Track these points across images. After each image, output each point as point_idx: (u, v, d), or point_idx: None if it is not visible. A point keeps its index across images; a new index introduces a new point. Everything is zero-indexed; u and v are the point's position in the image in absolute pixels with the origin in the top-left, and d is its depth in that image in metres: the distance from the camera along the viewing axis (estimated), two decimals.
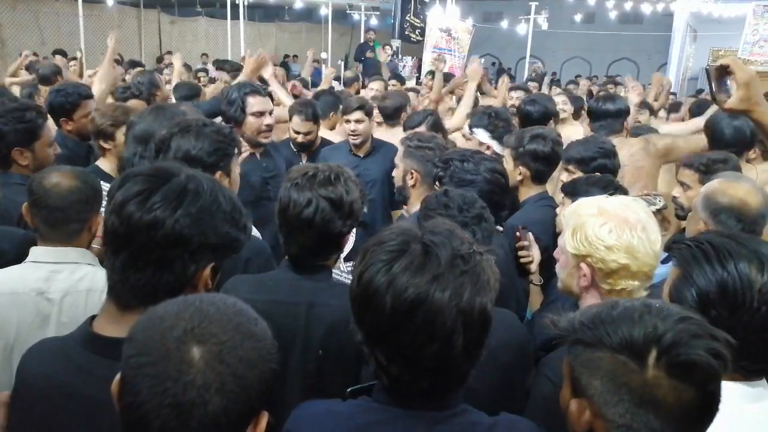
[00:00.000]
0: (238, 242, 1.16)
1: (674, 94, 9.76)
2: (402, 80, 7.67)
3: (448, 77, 8.66)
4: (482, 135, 3.06)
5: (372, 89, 5.66)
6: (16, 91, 5.01)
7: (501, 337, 1.46)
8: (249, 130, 2.93)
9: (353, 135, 3.52)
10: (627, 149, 3.21)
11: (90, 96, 3.18)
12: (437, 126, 3.57)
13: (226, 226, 1.13)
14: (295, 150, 3.78)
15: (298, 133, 3.57)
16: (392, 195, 3.57)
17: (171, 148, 1.91)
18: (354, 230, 2.38)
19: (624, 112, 3.56)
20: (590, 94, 8.43)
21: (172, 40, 14.35)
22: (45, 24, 12.04)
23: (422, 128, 3.49)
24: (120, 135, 2.60)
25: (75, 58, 7.64)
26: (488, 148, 3.04)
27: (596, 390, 0.92)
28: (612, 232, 1.46)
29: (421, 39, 12.78)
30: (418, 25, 13.03)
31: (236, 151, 2.03)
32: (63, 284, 1.63)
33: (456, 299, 0.96)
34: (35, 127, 2.40)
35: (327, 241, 1.63)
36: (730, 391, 1.16)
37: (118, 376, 0.84)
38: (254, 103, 2.90)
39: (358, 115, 3.53)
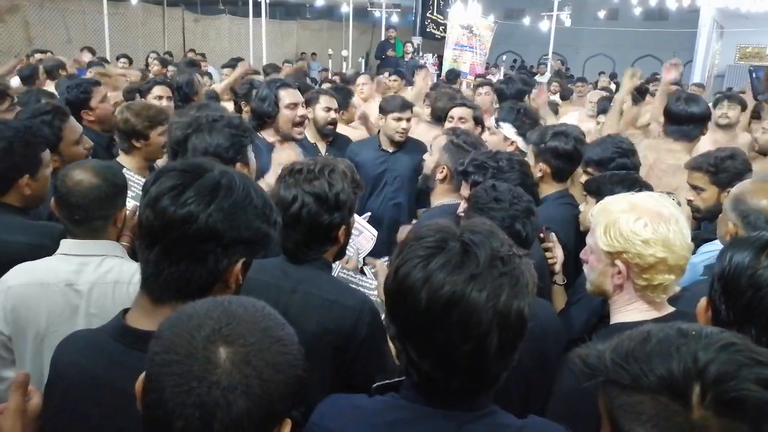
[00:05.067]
0: (269, 238, 1.17)
1: (702, 85, 9.61)
2: (402, 76, 7.65)
3: (457, 73, 8.66)
4: (508, 130, 3.05)
5: (359, 84, 5.84)
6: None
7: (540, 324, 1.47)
8: (284, 123, 2.95)
9: (402, 133, 3.55)
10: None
11: (98, 83, 3.35)
12: (479, 120, 3.59)
13: (258, 221, 1.14)
14: (313, 142, 3.81)
15: (329, 109, 3.59)
16: (418, 190, 3.60)
17: (188, 149, 1.95)
18: (374, 235, 2.40)
19: (707, 118, 3.38)
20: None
21: (196, 38, 14.47)
22: (71, 22, 12.21)
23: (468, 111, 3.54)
24: (154, 135, 2.66)
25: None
26: (512, 143, 3.03)
27: None
28: (648, 226, 1.44)
29: (444, 35, 12.76)
30: (442, 21, 13.00)
31: (251, 139, 2.05)
32: (91, 276, 1.66)
33: (493, 300, 0.95)
34: (55, 130, 2.46)
35: (318, 234, 1.66)
36: None
37: (142, 375, 0.83)
38: (286, 95, 2.94)
39: (409, 113, 3.57)
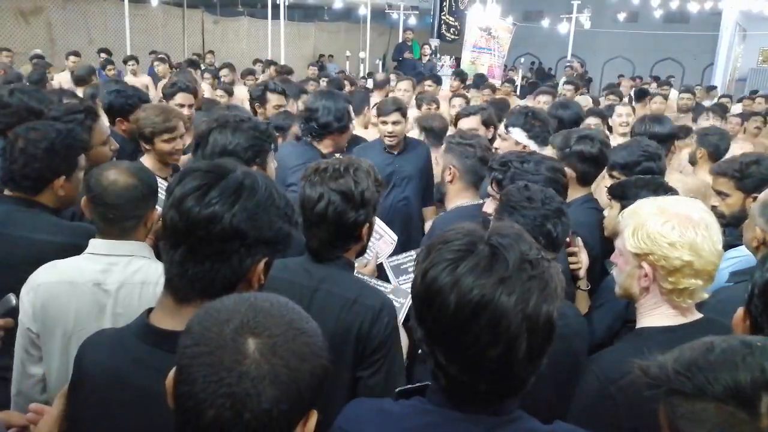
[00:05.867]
0: (290, 237, 1.19)
1: (729, 96, 9.48)
2: (439, 81, 7.63)
3: (485, 78, 8.63)
4: (519, 134, 3.02)
5: (400, 89, 5.67)
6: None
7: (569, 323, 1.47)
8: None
9: (390, 136, 3.55)
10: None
11: (148, 100, 3.33)
12: (490, 121, 3.56)
13: (280, 221, 1.15)
14: None
15: None
16: (426, 193, 3.59)
17: (209, 143, 1.97)
18: (395, 240, 2.40)
19: (673, 136, 3.38)
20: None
21: (215, 40, 14.61)
22: (92, 23, 12.38)
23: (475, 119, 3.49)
24: (159, 142, 2.69)
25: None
26: (524, 147, 3.00)
27: None
28: (675, 229, 1.43)
29: (455, 38, 12.78)
30: (452, 23, 13.01)
31: (273, 146, 2.08)
32: (118, 276, 1.67)
33: (522, 304, 0.94)
34: (86, 130, 2.47)
35: (343, 232, 1.67)
36: None
37: (173, 370, 0.85)
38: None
39: (395, 116, 3.55)
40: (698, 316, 1.52)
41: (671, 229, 1.43)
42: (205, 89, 5.92)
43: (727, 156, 3.34)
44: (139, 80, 7.82)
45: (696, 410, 0.83)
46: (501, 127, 3.21)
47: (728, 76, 12.34)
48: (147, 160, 2.70)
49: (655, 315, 1.51)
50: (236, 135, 1.96)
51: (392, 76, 7.30)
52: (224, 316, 0.83)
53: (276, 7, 12.37)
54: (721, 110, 5.81)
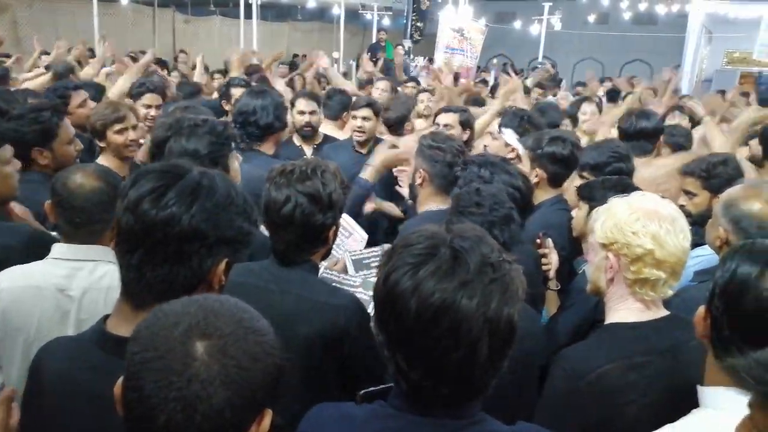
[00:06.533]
0: (251, 236, 1.18)
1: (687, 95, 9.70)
2: (418, 82, 7.65)
3: (456, 77, 8.67)
4: (510, 136, 3.04)
5: (378, 89, 5.66)
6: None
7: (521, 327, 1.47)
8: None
9: (358, 132, 3.53)
10: (651, 171, 3.08)
11: (78, 87, 3.38)
12: (467, 123, 3.56)
13: (240, 220, 1.14)
14: (298, 145, 3.80)
15: (303, 113, 3.64)
16: (396, 193, 3.57)
17: (165, 152, 1.94)
18: (365, 238, 2.39)
19: (660, 131, 3.37)
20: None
21: (186, 39, 14.40)
22: (61, 22, 12.11)
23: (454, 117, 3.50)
24: (111, 134, 2.67)
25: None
26: (513, 149, 3.02)
27: None
28: (639, 220, 1.48)
29: (420, 38, 12.94)
30: (418, 24, 13.15)
31: (233, 146, 2.04)
32: (83, 282, 1.64)
33: (483, 307, 0.94)
34: (52, 127, 2.44)
35: (310, 234, 1.67)
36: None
37: (121, 378, 0.84)
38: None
39: (365, 112, 3.54)
40: (664, 312, 1.55)
41: (636, 220, 1.48)
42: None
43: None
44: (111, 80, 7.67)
45: None
46: (494, 126, 3.22)
47: (695, 77, 12.61)
48: (104, 160, 2.66)
49: (621, 310, 1.54)
50: (192, 141, 1.92)
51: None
52: (172, 319, 0.82)
53: (249, 6, 12.24)
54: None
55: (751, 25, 9.69)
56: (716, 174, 2.52)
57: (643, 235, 1.46)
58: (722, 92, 8.26)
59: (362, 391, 1.14)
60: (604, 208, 1.59)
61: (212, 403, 0.78)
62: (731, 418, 1.15)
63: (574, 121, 4.72)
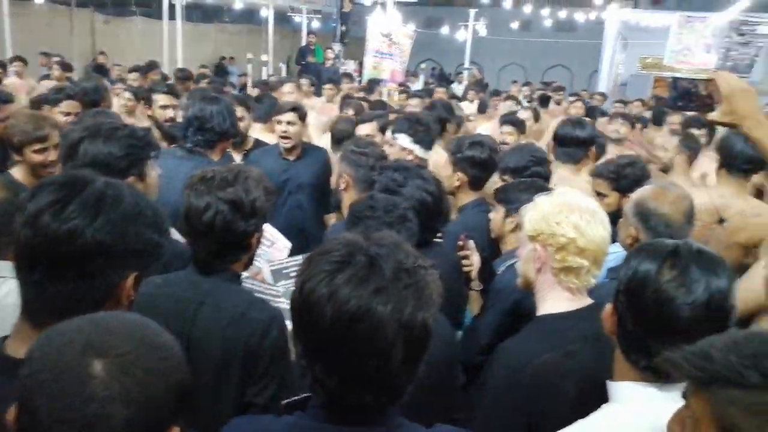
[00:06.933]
0: (161, 247, 1.14)
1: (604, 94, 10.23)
2: (337, 83, 7.69)
3: (377, 82, 8.74)
4: (404, 140, 3.07)
5: (284, 92, 5.75)
6: None
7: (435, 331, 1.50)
8: None
9: (283, 137, 3.47)
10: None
11: (7, 100, 3.18)
12: (386, 128, 3.57)
13: (149, 231, 1.10)
14: (228, 150, 3.72)
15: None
16: (325, 199, 3.56)
17: (78, 153, 1.84)
18: (288, 246, 2.37)
19: (592, 139, 3.46)
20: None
21: (106, 40, 13.83)
22: None
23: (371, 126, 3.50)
24: (28, 153, 2.50)
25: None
26: (410, 153, 3.06)
27: None
28: (562, 212, 1.59)
29: (344, 42, 13.15)
30: (342, 28, 13.28)
31: (152, 153, 1.96)
32: None
33: (398, 313, 0.94)
34: None
35: (232, 242, 1.63)
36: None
37: (15, 404, 0.79)
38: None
39: (290, 116, 3.48)
40: (589, 301, 1.64)
41: (559, 212, 1.59)
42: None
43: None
44: (27, 83, 7.26)
45: (764, 401, 0.82)
46: (388, 134, 3.23)
47: (611, 81, 13.22)
48: (18, 172, 2.51)
49: (549, 300, 1.63)
50: (109, 144, 1.83)
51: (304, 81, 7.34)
52: (66, 338, 0.78)
53: (172, 6, 11.87)
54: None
55: (662, 33, 10.27)
56: (624, 175, 2.66)
57: (565, 225, 1.56)
58: (641, 100, 8.68)
59: (284, 402, 1.13)
60: (531, 204, 1.68)
61: (112, 424, 0.74)
62: (636, 411, 1.22)
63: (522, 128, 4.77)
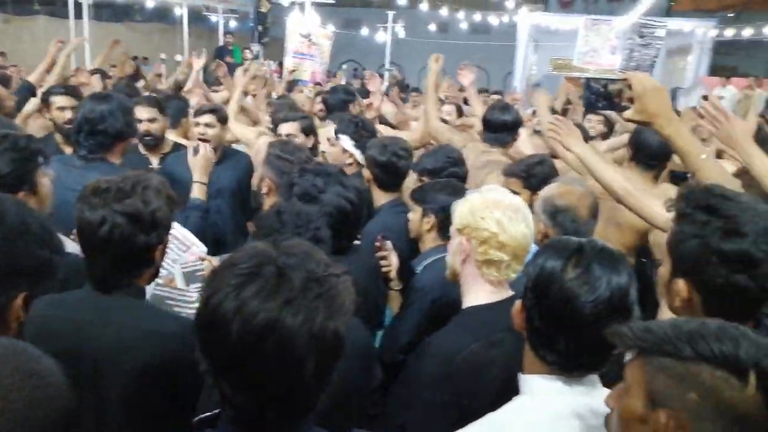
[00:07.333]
0: (52, 264, 1.09)
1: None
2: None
3: (295, 83, 8.68)
4: (346, 142, 3.08)
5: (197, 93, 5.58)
6: None
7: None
8: None
9: (201, 140, 3.37)
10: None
11: None
12: (309, 129, 3.54)
13: (38, 248, 1.05)
14: (144, 153, 3.59)
15: (140, 121, 3.41)
16: (246, 204, 3.49)
17: None
18: (204, 251, 2.30)
19: (519, 125, 3.62)
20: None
21: (7, 40, 12.97)
22: None
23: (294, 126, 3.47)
24: None
25: None
26: (351, 155, 3.07)
27: (690, 403, 0.89)
28: (488, 208, 1.68)
29: (263, 42, 12.99)
30: (259, 28, 13.11)
31: (40, 161, 1.84)
32: None
33: (308, 324, 0.92)
34: None
35: (131, 257, 1.53)
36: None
37: None
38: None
39: (207, 118, 3.38)
40: (510, 293, 1.71)
41: (485, 207, 1.67)
42: None
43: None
44: None
45: (691, 372, 0.89)
46: (331, 132, 3.22)
47: (525, 81, 13.73)
48: None
49: (473, 292, 1.71)
50: None
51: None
52: None
53: (78, 5, 11.28)
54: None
55: (571, 35, 10.73)
56: (534, 174, 2.78)
57: (489, 220, 1.65)
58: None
59: (196, 419, 1.09)
60: (462, 199, 1.77)
61: None
62: (542, 402, 1.28)
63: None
